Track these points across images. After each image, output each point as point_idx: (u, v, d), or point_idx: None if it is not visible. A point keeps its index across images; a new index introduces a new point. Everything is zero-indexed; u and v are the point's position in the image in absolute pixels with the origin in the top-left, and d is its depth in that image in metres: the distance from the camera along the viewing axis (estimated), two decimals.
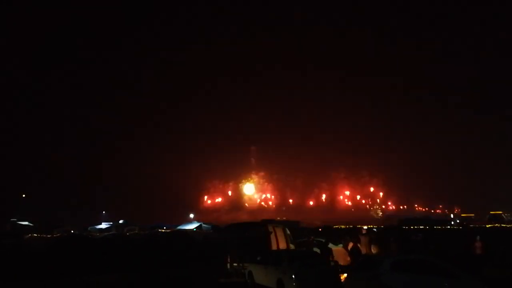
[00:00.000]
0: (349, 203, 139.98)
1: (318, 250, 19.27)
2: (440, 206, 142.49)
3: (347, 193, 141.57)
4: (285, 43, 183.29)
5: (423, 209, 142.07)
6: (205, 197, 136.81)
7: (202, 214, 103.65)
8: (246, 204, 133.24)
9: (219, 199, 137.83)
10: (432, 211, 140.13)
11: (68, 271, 19.53)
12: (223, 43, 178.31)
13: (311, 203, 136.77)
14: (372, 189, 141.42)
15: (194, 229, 63.27)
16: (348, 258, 18.61)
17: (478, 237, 20.37)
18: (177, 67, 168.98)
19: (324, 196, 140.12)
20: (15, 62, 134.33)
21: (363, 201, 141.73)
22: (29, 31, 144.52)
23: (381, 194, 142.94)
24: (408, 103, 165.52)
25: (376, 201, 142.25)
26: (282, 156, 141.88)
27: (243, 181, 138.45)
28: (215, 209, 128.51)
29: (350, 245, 19.32)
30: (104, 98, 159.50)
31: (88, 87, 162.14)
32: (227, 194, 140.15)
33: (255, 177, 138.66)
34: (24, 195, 78.69)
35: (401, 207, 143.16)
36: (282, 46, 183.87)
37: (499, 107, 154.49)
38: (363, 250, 18.84)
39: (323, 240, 22.19)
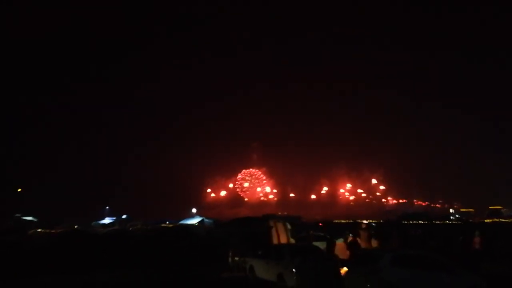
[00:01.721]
0: (352, 197, 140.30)
1: (319, 245, 19.52)
2: (440, 201, 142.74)
3: (348, 185, 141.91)
4: (289, 41, 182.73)
5: (423, 203, 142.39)
6: (208, 190, 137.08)
7: (204, 209, 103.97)
8: (246, 199, 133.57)
9: (222, 193, 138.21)
10: (432, 205, 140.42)
11: (70, 267, 19.68)
12: (227, 41, 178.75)
13: (313, 196, 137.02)
14: (375, 180, 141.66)
15: (196, 224, 63.48)
16: (348, 252, 18.84)
17: (477, 232, 20.56)
18: (180, 64, 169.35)
19: (325, 190, 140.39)
20: (23, 60, 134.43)
21: (363, 195, 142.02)
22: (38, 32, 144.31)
23: (381, 187, 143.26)
24: (410, 99, 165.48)
25: (376, 195, 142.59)
26: (283, 151, 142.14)
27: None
28: (217, 204, 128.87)
29: (350, 239, 19.55)
30: (108, 94, 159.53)
31: (91, 85, 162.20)
32: (229, 189, 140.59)
33: (256, 172, 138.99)
34: (19, 190, 78.64)
35: (401, 201, 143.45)
36: (287, 44, 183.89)
37: (498, 104, 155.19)
38: (363, 245, 19.05)
39: (324, 235, 22.45)
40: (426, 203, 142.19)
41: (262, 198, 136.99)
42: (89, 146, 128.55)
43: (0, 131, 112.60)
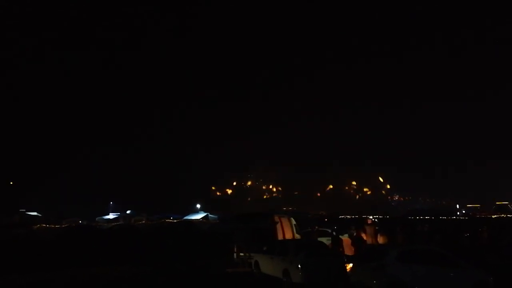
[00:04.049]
0: (357, 196, 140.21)
1: (324, 240, 19.38)
2: (446, 197, 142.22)
3: (354, 183, 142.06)
4: (296, 39, 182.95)
5: (430, 200, 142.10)
6: (213, 188, 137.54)
7: (209, 204, 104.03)
8: (249, 199, 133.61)
9: (226, 190, 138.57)
10: (438, 202, 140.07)
11: (75, 261, 19.70)
12: (234, 44, 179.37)
13: (318, 194, 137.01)
14: (381, 179, 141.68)
15: (201, 219, 63.57)
16: (353, 248, 18.69)
17: (484, 227, 20.37)
18: (186, 64, 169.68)
19: (330, 187, 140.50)
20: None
21: (369, 193, 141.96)
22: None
23: (388, 186, 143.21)
24: (416, 95, 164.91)
25: (382, 193, 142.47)
26: (290, 147, 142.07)
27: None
28: (222, 199, 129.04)
29: (354, 235, 19.38)
30: (117, 91, 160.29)
31: (97, 80, 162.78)
32: (234, 184, 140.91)
33: (262, 168, 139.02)
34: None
35: (407, 198, 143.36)
36: (293, 42, 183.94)
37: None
38: (369, 241, 18.88)
39: (330, 231, 22.31)
40: (433, 199, 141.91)
41: (265, 197, 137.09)
42: (94, 142, 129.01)
43: (5, 130, 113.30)
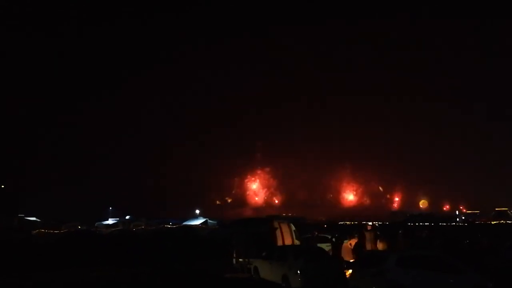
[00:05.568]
0: (354, 199, 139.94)
1: (324, 246, 19.37)
2: (445, 203, 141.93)
3: (353, 194, 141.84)
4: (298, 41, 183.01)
5: (430, 206, 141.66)
6: (211, 194, 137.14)
7: (208, 210, 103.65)
8: (248, 205, 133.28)
9: (226, 199, 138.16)
10: (438, 208, 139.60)
11: (73, 262, 19.70)
12: (231, 41, 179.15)
13: (317, 200, 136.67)
14: (381, 188, 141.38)
15: (200, 225, 63.52)
16: (353, 254, 18.65)
17: (484, 233, 20.35)
18: (183, 63, 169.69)
19: (330, 193, 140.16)
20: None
21: (367, 201, 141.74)
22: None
23: (388, 196, 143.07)
24: (415, 100, 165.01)
25: (381, 201, 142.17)
26: (288, 151, 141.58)
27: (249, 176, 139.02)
28: (221, 205, 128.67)
29: (353, 241, 19.38)
30: (118, 92, 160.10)
31: (95, 82, 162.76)
32: (233, 190, 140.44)
33: (260, 173, 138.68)
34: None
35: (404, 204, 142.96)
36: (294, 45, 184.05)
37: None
38: (368, 247, 18.86)
39: (329, 237, 22.28)
40: (432, 205, 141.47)
41: (264, 204, 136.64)
42: (93, 145, 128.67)
43: (5, 130, 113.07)
